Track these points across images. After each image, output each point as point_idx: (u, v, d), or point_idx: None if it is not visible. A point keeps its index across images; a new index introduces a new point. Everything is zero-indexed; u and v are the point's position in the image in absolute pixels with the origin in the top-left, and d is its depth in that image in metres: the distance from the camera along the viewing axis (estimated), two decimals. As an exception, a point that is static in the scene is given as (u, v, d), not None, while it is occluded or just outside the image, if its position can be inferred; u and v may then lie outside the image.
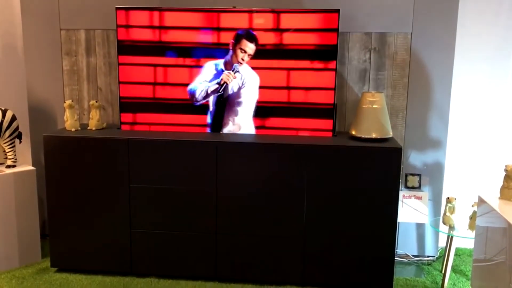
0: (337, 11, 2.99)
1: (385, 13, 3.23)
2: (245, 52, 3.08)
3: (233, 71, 3.10)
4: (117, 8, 3.10)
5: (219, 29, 3.08)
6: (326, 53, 3.04)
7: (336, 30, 3.00)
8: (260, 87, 3.12)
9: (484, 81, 3.44)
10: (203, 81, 3.15)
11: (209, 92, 3.14)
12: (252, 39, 3.07)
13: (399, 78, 3.30)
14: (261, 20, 3.05)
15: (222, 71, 3.12)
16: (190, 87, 3.16)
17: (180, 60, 3.13)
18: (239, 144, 2.95)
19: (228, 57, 3.11)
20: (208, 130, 3.20)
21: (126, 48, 3.15)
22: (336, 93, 3.11)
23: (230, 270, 3.04)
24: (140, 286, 3.01)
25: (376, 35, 3.27)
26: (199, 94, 3.15)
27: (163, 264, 3.08)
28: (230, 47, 3.10)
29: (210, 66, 3.14)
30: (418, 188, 3.28)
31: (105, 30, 3.40)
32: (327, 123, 3.11)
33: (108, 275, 3.12)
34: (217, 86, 3.12)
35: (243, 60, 3.09)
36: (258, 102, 3.14)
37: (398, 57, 3.28)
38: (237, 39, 3.08)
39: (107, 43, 3.43)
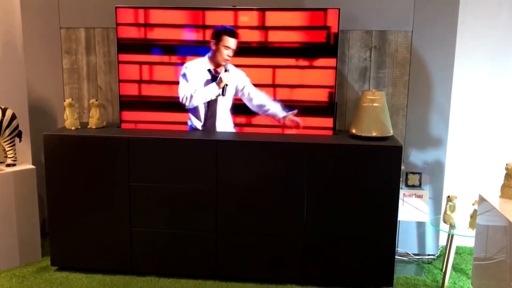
0: (324, 9, 2.99)
1: (385, 11, 3.22)
2: (229, 48, 3.06)
3: (226, 71, 3.09)
4: (117, 7, 3.09)
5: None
6: (323, 51, 3.02)
7: (324, 27, 2.99)
8: (260, 85, 3.11)
9: (484, 79, 3.43)
10: (197, 87, 3.12)
11: (208, 98, 3.12)
12: (233, 34, 3.04)
13: (399, 76, 3.30)
14: (266, 18, 3.04)
15: (210, 71, 3.10)
16: (184, 93, 3.13)
17: (177, 58, 3.13)
18: (239, 143, 2.95)
19: (210, 56, 3.09)
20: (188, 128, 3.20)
21: (126, 46, 3.14)
22: (337, 92, 3.11)
23: (231, 268, 3.04)
24: (140, 285, 3.01)
25: (377, 33, 3.26)
26: (196, 101, 3.13)
27: (163, 263, 3.08)
28: (212, 46, 3.07)
29: (197, 68, 3.10)
30: (419, 186, 3.28)
31: (105, 28, 3.40)
32: (327, 121, 3.10)
33: (108, 274, 3.12)
34: (218, 90, 3.09)
35: (228, 56, 3.07)
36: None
37: (399, 55, 3.27)
38: (218, 37, 3.06)
39: (107, 42, 3.42)
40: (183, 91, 3.13)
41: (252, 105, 3.12)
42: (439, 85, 3.28)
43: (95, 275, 3.11)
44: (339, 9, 2.97)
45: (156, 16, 3.09)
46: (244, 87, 3.10)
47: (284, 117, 3.08)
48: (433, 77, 3.27)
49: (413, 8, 3.20)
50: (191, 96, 3.13)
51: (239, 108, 3.14)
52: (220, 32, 3.05)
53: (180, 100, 3.15)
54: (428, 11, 3.19)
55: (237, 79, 3.10)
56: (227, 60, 3.07)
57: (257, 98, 3.10)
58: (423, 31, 3.22)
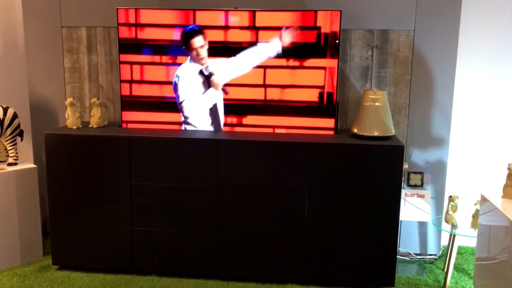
0: (315, 12, 2.97)
1: (387, 10, 3.21)
2: (198, 48, 3.05)
3: (211, 75, 3.08)
4: (118, 9, 3.09)
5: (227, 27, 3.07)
6: (313, 51, 3.01)
7: (315, 28, 2.98)
8: (251, 85, 3.10)
9: (487, 78, 3.42)
10: (196, 95, 3.12)
11: (211, 104, 3.12)
12: (193, 34, 3.03)
13: (401, 76, 3.29)
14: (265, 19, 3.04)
15: (202, 72, 3.08)
16: (189, 106, 3.13)
17: (179, 58, 3.13)
18: (240, 142, 2.94)
19: (191, 60, 3.08)
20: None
21: (127, 46, 3.13)
22: (338, 91, 3.10)
23: (232, 268, 3.04)
24: (142, 284, 3.01)
25: (379, 33, 3.25)
26: (200, 109, 3.13)
27: (165, 262, 3.08)
28: (186, 51, 3.08)
29: (188, 73, 3.09)
30: (421, 186, 3.27)
31: (106, 27, 3.40)
32: (329, 122, 3.10)
33: (110, 273, 3.12)
34: (218, 93, 3.09)
35: (199, 55, 3.05)
36: (260, 100, 3.12)
37: (401, 54, 3.26)
38: (185, 42, 3.05)
39: (108, 41, 3.42)
40: (186, 104, 3.13)
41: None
42: (441, 85, 3.26)
43: (96, 274, 3.11)
44: (340, 11, 2.96)
45: (157, 17, 3.08)
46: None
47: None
48: (435, 76, 3.26)
49: (415, 7, 3.19)
50: (191, 110, 3.14)
51: (265, 109, 3.13)
52: (183, 37, 3.05)
53: (184, 112, 3.15)
54: (430, 10, 3.18)
55: (224, 69, 3.09)
56: (201, 58, 3.05)
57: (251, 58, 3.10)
58: (425, 30, 3.21)
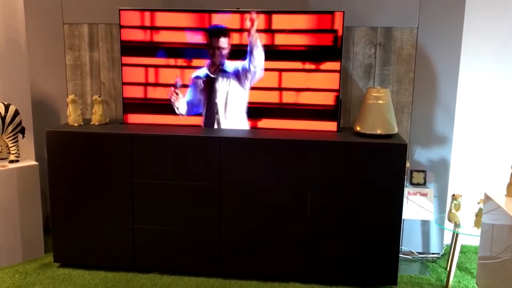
0: (331, 12, 2.94)
1: (391, 7, 3.19)
2: (218, 48, 3.04)
3: (176, 87, 3.10)
4: (120, 10, 3.07)
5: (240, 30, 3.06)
6: (329, 54, 2.99)
7: (332, 31, 2.96)
8: (266, 88, 3.08)
9: (490, 76, 3.40)
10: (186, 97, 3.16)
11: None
12: (219, 34, 3.01)
13: (404, 74, 3.27)
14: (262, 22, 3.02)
15: (207, 75, 3.08)
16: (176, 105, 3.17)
17: (182, 61, 3.11)
18: (242, 140, 2.93)
19: (209, 61, 3.08)
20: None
21: (130, 48, 3.12)
22: (341, 89, 3.09)
23: (234, 266, 3.03)
24: (143, 282, 3.00)
25: (382, 30, 3.23)
26: (183, 109, 3.16)
27: (166, 260, 3.07)
28: (207, 50, 3.06)
29: (199, 78, 3.12)
30: (423, 184, 3.25)
31: (108, 24, 3.39)
32: (331, 125, 3.08)
33: (111, 271, 3.12)
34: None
35: (214, 56, 3.05)
36: (275, 103, 3.09)
37: (404, 52, 3.25)
38: (209, 40, 3.04)
39: (110, 38, 3.41)
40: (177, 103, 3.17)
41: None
42: (444, 82, 3.25)
43: (98, 272, 3.11)
44: (343, 12, 2.93)
45: (160, 19, 3.06)
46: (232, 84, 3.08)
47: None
48: (439, 74, 3.24)
49: (419, 5, 3.17)
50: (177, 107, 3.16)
51: (269, 112, 3.11)
52: (209, 33, 3.03)
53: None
54: (434, 7, 3.16)
55: (229, 79, 3.08)
56: (218, 57, 3.04)
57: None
58: (428, 28, 3.19)
